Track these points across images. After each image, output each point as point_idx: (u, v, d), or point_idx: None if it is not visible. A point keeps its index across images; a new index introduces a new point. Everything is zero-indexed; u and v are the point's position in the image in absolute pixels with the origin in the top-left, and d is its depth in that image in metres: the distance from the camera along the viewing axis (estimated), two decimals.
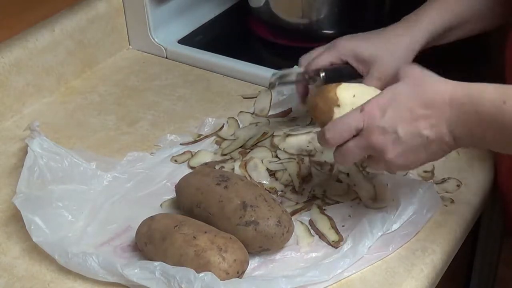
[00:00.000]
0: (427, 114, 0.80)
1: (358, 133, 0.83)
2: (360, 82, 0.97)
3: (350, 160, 0.86)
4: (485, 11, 1.02)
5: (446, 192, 0.99)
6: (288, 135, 1.06)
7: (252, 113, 1.16)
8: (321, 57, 1.02)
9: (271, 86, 1.03)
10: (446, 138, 0.80)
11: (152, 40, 1.34)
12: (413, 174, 1.01)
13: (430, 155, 0.83)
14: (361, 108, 0.83)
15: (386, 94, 0.83)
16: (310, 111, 0.93)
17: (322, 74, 1.00)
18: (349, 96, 0.87)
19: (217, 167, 1.04)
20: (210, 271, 0.82)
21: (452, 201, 0.98)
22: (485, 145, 0.85)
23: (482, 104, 0.77)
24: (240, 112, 1.17)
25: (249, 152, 1.06)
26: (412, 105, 0.80)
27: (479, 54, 1.26)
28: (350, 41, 1.02)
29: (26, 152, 0.99)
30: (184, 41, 1.36)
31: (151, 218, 0.91)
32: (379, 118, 0.81)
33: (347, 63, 1.02)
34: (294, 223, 0.92)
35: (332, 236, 0.92)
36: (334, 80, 0.94)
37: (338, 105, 0.87)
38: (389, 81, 0.86)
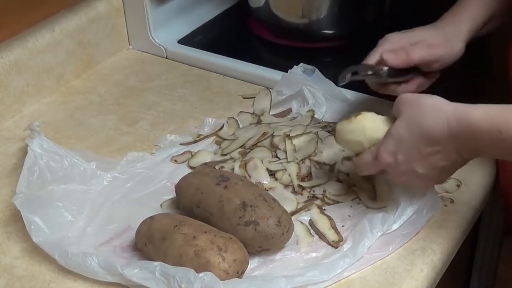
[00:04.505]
0: (434, 150, 0.83)
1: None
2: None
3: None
4: (507, 4, 1.03)
5: (446, 192, 0.99)
6: (291, 137, 1.06)
7: (252, 113, 1.16)
8: (375, 52, 1.02)
9: (341, 81, 1.02)
10: (459, 161, 0.84)
11: (152, 40, 1.34)
12: None
13: (453, 171, 0.88)
14: (375, 157, 0.87)
15: (391, 138, 0.86)
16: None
17: (385, 68, 1.01)
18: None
19: (217, 167, 1.04)
20: (210, 271, 0.82)
21: (452, 201, 0.98)
22: (498, 158, 0.89)
23: (480, 137, 0.79)
24: (240, 112, 1.17)
25: (249, 152, 1.06)
26: (417, 145, 0.83)
27: (481, 59, 1.25)
28: (401, 33, 1.03)
29: (26, 152, 0.99)
30: (184, 41, 1.36)
31: (151, 218, 0.91)
32: (395, 164, 0.86)
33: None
34: (294, 223, 0.92)
35: (332, 236, 0.92)
36: (396, 73, 1.00)
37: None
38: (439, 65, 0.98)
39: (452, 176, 1.00)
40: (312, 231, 0.94)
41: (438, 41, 1.00)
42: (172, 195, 0.99)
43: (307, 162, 1.03)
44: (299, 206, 0.97)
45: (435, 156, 0.83)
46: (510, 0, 1.02)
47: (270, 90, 1.19)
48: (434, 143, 0.82)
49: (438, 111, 0.82)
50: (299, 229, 0.94)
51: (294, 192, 1.00)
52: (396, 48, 1.01)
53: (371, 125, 0.90)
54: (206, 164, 1.05)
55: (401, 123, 0.85)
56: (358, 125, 0.91)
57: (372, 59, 1.01)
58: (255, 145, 1.07)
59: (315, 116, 1.12)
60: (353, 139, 0.92)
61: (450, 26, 1.02)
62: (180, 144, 1.10)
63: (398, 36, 1.02)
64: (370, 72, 1.01)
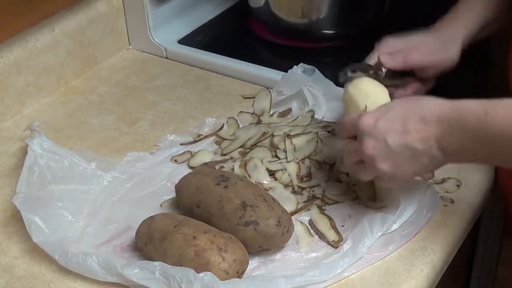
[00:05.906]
0: (418, 128, 0.82)
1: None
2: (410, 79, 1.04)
3: (347, 161, 0.91)
4: (503, 10, 1.03)
5: (446, 192, 0.99)
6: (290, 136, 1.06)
7: (252, 113, 1.16)
8: (373, 54, 1.03)
9: (342, 78, 1.03)
10: (434, 152, 0.82)
11: (152, 40, 1.34)
12: None
13: (420, 167, 0.85)
14: (360, 115, 0.87)
15: (383, 106, 0.87)
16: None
17: (383, 70, 1.01)
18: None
19: (217, 167, 1.04)
20: (210, 271, 0.82)
21: (452, 201, 0.98)
22: (477, 160, 0.87)
23: (467, 118, 0.79)
24: (240, 112, 1.17)
25: (249, 152, 1.06)
26: (405, 118, 0.83)
27: (481, 59, 1.25)
28: (398, 37, 1.03)
29: (26, 152, 0.99)
30: (184, 41, 1.36)
31: (151, 218, 0.91)
32: (372, 127, 0.85)
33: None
34: (294, 223, 0.92)
35: (332, 236, 0.92)
36: (393, 76, 1.01)
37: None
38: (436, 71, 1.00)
39: (452, 176, 1.01)
40: (312, 231, 0.94)
41: (435, 47, 1.00)
42: (172, 195, 0.99)
43: (307, 162, 1.03)
44: (299, 206, 0.97)
45: (414, 135, 0.82)
46: (507, 5, 1.02)
47: (270, 90, 1.19)
48: (421, 120, 0.82)
49: (437, 100, 0.83)
50: (299, 229, 0.94)
51: (294, 192, 1.00)
52: (393, 51, 1.01)
53: (380, 96, 0.94)
54: (206, 164, 1.05)
55: (401, 99, 0.88)
56: (373, 88, 0.96)
57: (371, 61, 1.02)
58: (255, 145, 1.07)
59: (315, 116, 1.12)
60: (357, 98, 0.95)
61: (447, 31, 1.02)
62: (180, 144, 1.10)
63: (395, 40, 1.02)
64: (370, 72, 1.02)
